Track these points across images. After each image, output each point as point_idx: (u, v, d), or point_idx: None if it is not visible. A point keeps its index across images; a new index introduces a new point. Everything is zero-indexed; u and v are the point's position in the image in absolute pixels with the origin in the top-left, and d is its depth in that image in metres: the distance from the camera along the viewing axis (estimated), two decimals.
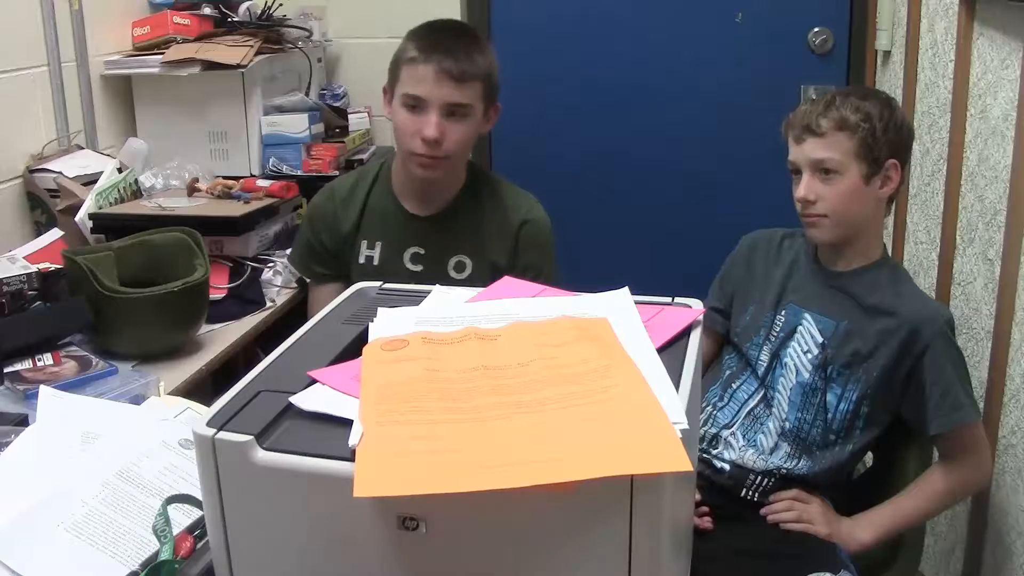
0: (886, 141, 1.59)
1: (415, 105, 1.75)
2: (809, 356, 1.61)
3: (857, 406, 1.59)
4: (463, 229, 1.88)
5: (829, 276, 1.66)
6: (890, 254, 1.76)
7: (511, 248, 1.88)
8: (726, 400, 1.69)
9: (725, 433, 1.65)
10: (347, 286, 1.20)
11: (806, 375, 1.61)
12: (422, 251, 1.89)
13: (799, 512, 1.58)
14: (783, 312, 1.67)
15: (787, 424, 1.62)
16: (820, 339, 1.61)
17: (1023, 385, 1.62)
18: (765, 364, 1.66)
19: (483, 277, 1.16)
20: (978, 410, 1.60)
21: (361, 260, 1.91)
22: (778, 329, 1.66)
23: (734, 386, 1.69)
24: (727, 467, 1.63)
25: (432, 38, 1.76)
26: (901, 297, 1.60)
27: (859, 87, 1.67)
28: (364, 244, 1.92)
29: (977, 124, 1.84)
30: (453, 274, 1.88)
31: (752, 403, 1.66)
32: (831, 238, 1.63)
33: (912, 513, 1.60)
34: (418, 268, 1.88)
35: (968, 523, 1.84)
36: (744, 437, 1.64)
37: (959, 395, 1.55)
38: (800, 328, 1.64)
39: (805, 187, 1.61)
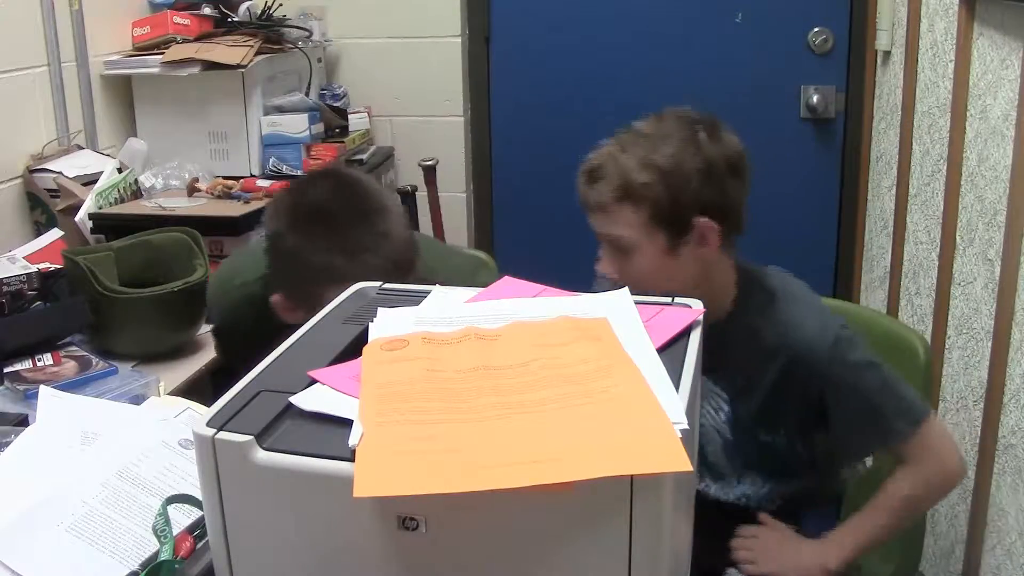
0: (689, 198, 1.29)
1: None
2: (722, 415, 1.47)
3: (791, 438, 1.47)
4: None
5: None
6: (756, 270, 1.47)
7: None
8: None
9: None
10: None
11: (728, 435, 1.48)
12: None
13: (741, 554, 1.43)
14: None
15: (742, 472, 1.52)
16: (726, 396, 1.46)
17: (1023, 385, 1.62)
18: None
19: None
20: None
21: None
22: None
23: None
24: (730, 498, 1.56)
25: (338, 230, 1.35)
26: (775, 329, 1.38)
27: (658, 119, 1.36)
28: None
29: (977, 124, 1.84)
30: None
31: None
32: None
33: (873, 528, 1.40)
34: None
35: (968, 523, 1.84)
36: (714, 486, 1.55)
37: (885, 415, 1.36)
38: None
39: (603, 263, 1.38)
